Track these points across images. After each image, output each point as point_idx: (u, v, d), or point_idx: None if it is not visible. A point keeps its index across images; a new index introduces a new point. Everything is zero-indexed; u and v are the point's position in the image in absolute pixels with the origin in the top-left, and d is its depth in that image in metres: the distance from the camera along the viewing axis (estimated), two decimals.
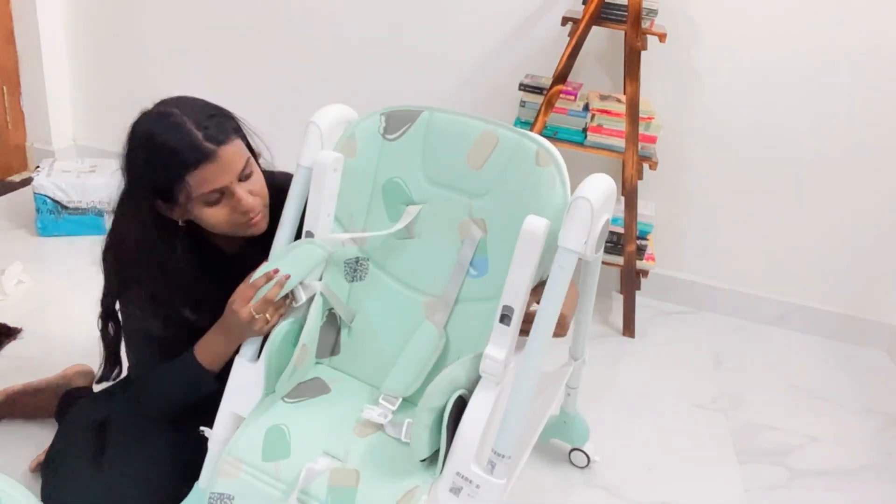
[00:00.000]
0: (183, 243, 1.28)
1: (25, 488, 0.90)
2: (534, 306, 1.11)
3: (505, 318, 1.07)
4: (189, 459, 1.32)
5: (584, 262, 1.06)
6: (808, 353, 2.41)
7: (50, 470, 1.41)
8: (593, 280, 1.42)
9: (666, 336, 2.38)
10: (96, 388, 1.66)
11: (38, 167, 2.53)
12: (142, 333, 1.31)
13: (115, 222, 1.28)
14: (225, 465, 1.14)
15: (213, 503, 1.13)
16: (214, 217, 1.21)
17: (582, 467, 1.73)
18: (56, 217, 2.46)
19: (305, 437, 1.16)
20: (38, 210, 2.44)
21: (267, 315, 1.20)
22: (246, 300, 1.19)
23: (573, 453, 1.74)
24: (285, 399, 1.22)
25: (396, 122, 1.22)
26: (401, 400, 1.23)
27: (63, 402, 1.61)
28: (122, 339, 1.38)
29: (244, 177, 1.21)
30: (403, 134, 1.22)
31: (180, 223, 1.26)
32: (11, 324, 1.96)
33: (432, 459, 1.12)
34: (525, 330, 1.09)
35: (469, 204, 1.20)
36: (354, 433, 1.17)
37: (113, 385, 1.57)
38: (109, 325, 1.37)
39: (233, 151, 1.18)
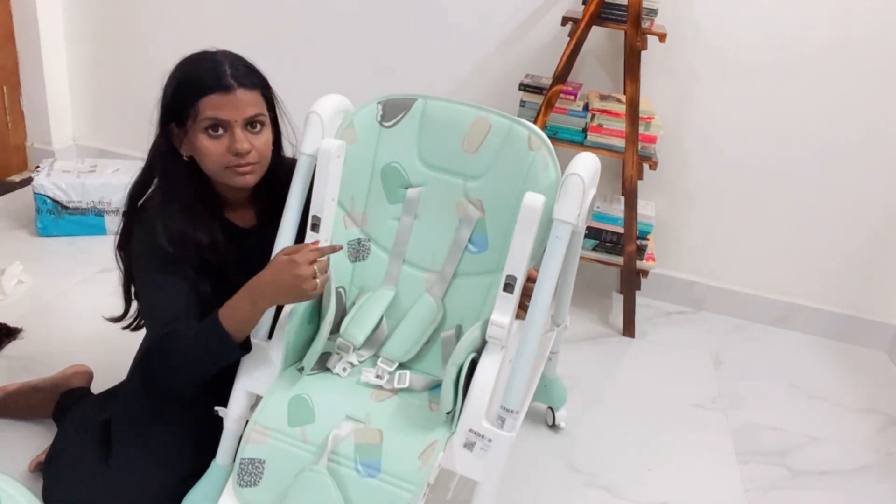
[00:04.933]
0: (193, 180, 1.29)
1: (25, 488, 0.90)
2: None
3: (508, 286, 1.16)
4: (194, 459, 1.33)
5: (571, 234, 1.18)
6: (808, 353, 2.41)
7: (52, 470, 1.41)
8: (577, 250, 1.53)
9: (666, 336, 2.38)
10: (95, 387, 1.67)
11: (38, 167, 2.52)
12: (158, 287, 1.24)
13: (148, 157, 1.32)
14: (252, 432, 1.18)
15: (245, 468, 1.17)
16: (209, 150, 1.23)
17: (550, 426, 1.85)
18: (56, 217, 2.46)
19: (327, 403, 1.21)
20: (38, 210, 2.44)
21: (318, 280, 1.14)
22: (304, 257, 1.13)
23: (548, 412, 1.86)
24: (302, 372, 1.27)
25: (392, 109, 1.30)
26: (397, 364, 1.30)
27: (61, 403, 1.61)
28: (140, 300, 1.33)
29: (251, 126, 1.24)
30: (399, 121, 1.29)
31: (185, 157, 1.27)
32: (11, 324, 1.96)
33: (449, 415, 1.18)
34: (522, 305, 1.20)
35: (464, 185, 1.28)
36: (372, 399, 1.23)
37: (114, 386, 1.58)
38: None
39: (250, 97, 1.23)
